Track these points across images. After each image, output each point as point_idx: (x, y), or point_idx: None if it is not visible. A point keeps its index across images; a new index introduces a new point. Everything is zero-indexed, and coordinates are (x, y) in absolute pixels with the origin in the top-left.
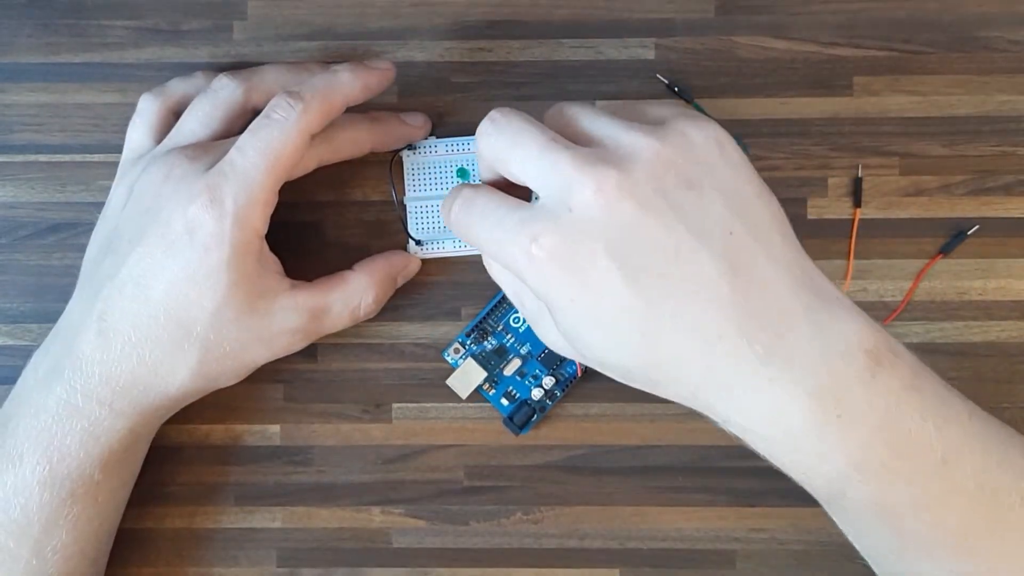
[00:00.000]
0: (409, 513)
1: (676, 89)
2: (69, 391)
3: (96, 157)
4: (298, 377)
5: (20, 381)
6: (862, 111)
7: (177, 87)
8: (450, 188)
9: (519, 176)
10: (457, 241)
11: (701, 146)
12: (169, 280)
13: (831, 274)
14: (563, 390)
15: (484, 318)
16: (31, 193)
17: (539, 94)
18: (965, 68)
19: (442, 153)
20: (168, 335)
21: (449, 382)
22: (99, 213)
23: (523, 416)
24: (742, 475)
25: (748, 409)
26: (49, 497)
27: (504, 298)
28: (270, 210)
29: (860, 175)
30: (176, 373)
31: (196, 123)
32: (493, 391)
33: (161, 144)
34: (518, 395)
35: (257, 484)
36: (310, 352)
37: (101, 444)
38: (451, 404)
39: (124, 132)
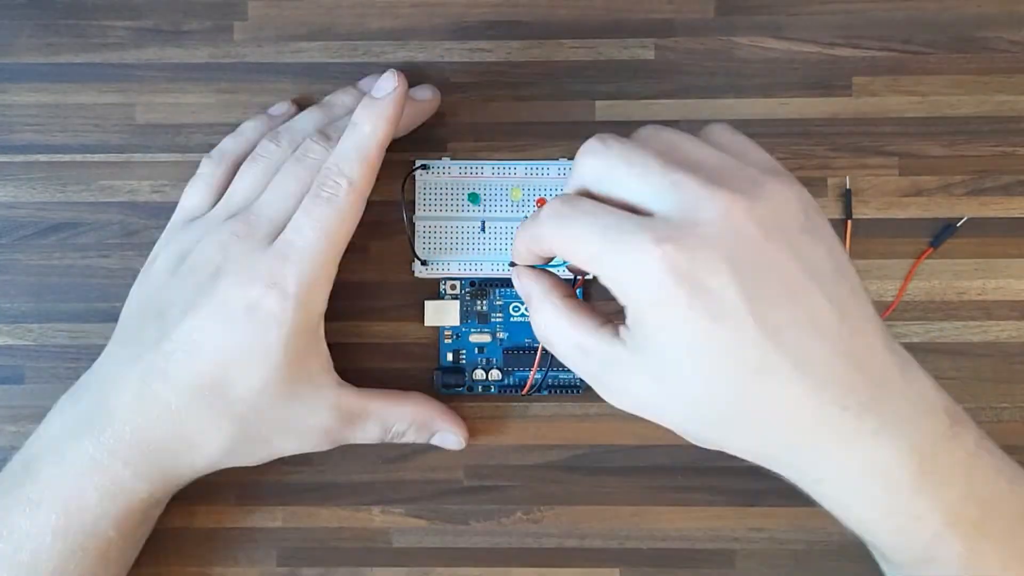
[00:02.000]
0: (409, 513)
1: None
2: (96, 447)
3: (96, 157)
4: None
5: (46, 424)
6: (861, 111)
7: (233, 148)
8: (460, 211)
9: (632, 194)
10: (463, 264)
11: (805, 200)
12: (221, 355)
13: None
14: (499, 391)
15: (494, 284)
16: (31, 193)
17: (539, 94)
18: (965, 68)
19: (455, 175)
20: (209, 408)
21: (427, 303)
22: (98, 213)
23: (453, 380)
24: (742, 475)
25: (848, 463)
26: (60, 547)
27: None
28: (330, 286)
29: (848, 187)
30: (208, 447)
31: (247, 191)
32: (449, 341)
33: (213, 212)
34: (464, 361)
35: (257, 484)
36: None
37: (119, 504)
38: (451, 404)
39: (124, 132)
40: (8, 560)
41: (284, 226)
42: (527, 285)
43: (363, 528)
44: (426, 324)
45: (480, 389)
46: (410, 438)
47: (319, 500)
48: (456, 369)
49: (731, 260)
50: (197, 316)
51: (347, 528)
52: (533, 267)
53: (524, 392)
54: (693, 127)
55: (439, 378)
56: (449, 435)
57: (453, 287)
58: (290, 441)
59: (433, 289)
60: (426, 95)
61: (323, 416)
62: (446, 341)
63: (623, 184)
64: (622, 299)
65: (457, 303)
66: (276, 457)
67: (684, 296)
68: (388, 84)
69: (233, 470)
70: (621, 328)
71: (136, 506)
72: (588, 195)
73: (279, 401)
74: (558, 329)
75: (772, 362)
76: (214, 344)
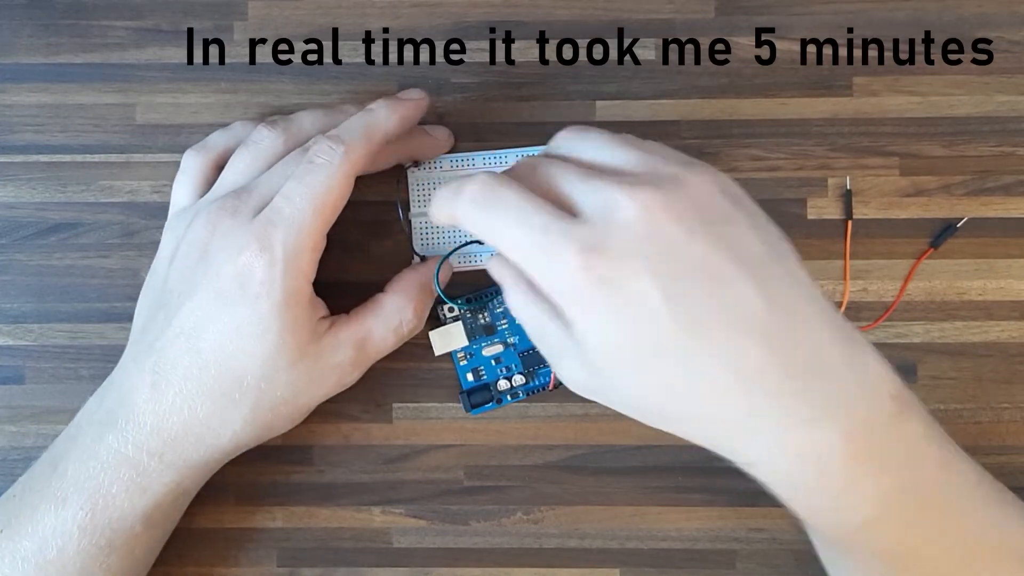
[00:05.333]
0: (409, 513)
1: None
2: (120, 440)
3: (96, 157)
4: None
5: (72, 426)
6: (862, 111)
7: (218, 141)
8: None
9: (562, 192)
10: (463, 257)
11: (728, 188)
12: (219, 331)
13: (831, 274)
14: (528, 393)
15: (489, 295)
16: (32, 193)
17: (539, 94)
18: (965, 68)
19: (447, 169)
20: (220, 386)
21: (431, 333)
22: (98, 214)
23: (480, 398)
24: (742, 475)
25: (782, 450)
26: (87, 544)
27: None
28: (319, 255)
29: (849, 187)
30: (229, 424)
31: (238, 175)
32: (465, 362)
33: (204, 197)
34: (485, 377)
35: (257, 483)
36: None
37: (147, 496)
38: (451, 404)
39: (124, 132)
40: (35, 558)
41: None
42: (500, 272)
43: (363, 528)
44: (437, 354)
45: (509, 398)
46: (421, 316)
47: (319, 500)
48: (482, 387)
49: (651, 262)
50: (195, 298)
51: (347, 528)
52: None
53: (551, 388)
54: (693, 127)
55: (466, 401)
56: (443, 272)
57: (451, 310)
58: (315, 391)
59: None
60: (442, 135)
61: (334, 358)
62: (461, 363)
63: (562, 185)
64: (550, 298)
65: (460, 324)
66: (308, 411)
67: (606, 301)
68: (415, 93)
69: (233, 469)
70: None
71: (164, 498)
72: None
73: (289, 365)
74: (524, 313)
75: (697, 360)
76: (212, 322)
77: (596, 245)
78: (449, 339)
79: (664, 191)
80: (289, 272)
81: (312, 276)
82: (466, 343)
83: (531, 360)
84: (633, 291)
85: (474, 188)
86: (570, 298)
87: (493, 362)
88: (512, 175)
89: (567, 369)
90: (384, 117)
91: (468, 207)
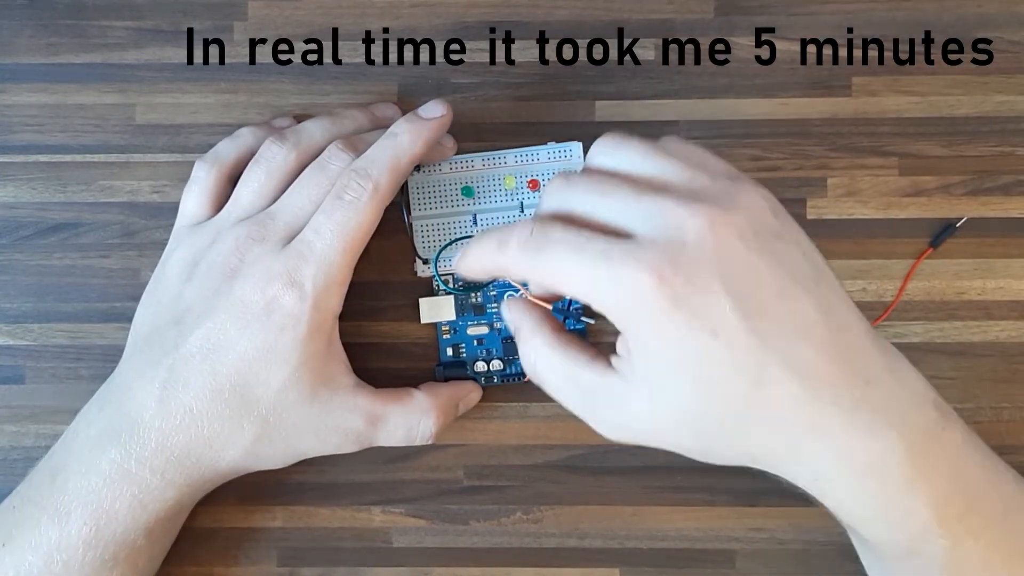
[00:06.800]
0: (409, 513)
1: None
2: (124, 455)
3: (97, 157)
4: None
5: (70, 434)
6: (861, 111)
7: (228, 152)
8: (456, 206)
9: (609, 218)
10: None
11: (773, 203)
12: (239, 356)
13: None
14: (502, 380)
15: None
16: (32, 193)
17: (539, 94)
18: (965, 68)
19: (447, 171)
20: (230, 410)
21: (421, 300)
22: (99, 214)
23: (454, 373)
24: (742, 475)
25: (848, 460)
26: (92, 558)
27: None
28: (345, 289)
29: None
30: (230, 449)
31: (253, 195)
32: (448, 336)
33: (221, 216)
34: (464, 354)
35: (257, 483)
36: None
37: (149, 512)
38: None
39: (124, 132)
40: (39, 573)
41: (300, 229)
42: (517, 318)
43: (363, 528)
44: (422, 321)
45: (483, 381)
46: (440, 429)
47: (319, 500)
48: (457, 363)
49: (721, 276)
50: (215, 319)
51: (347, 528)
52: (522, 299)
53: (527, 379)
54: (693, 127)
55: (441, 372)
56: (470, 398)
57: (446, 282)
58: (311, 442)
59: (431, 287)
60: (448, 142)
61: (342, 417)
62: (444, 336)
63: (598, 211)
64: (619, 325)
65: (451, 297)
66: (299, 459)
67: (683, 318)
68: (437, 110)
69: None
70: (613, 358)
71: (164, 514)
72: (559, 218)
73: (298, 402)
74: (549, 363)
75: (769, 371)
76: (232, 346)
77: (667, 264)
78: (437, 310)
79: (723, 207)
80: (317, 308)
81: (338, 311)
82: (453, 317)
83: (512, 348)
84: (707, 304)
85: (521, 232)
86: (642, 318)
87: (475, 342)
88: (555, 200)
89: (612, 411)
90: (409, 144)
91: (518, 254)
